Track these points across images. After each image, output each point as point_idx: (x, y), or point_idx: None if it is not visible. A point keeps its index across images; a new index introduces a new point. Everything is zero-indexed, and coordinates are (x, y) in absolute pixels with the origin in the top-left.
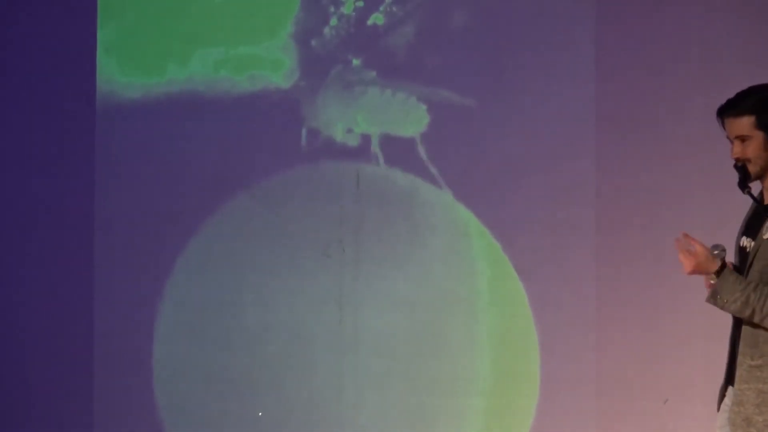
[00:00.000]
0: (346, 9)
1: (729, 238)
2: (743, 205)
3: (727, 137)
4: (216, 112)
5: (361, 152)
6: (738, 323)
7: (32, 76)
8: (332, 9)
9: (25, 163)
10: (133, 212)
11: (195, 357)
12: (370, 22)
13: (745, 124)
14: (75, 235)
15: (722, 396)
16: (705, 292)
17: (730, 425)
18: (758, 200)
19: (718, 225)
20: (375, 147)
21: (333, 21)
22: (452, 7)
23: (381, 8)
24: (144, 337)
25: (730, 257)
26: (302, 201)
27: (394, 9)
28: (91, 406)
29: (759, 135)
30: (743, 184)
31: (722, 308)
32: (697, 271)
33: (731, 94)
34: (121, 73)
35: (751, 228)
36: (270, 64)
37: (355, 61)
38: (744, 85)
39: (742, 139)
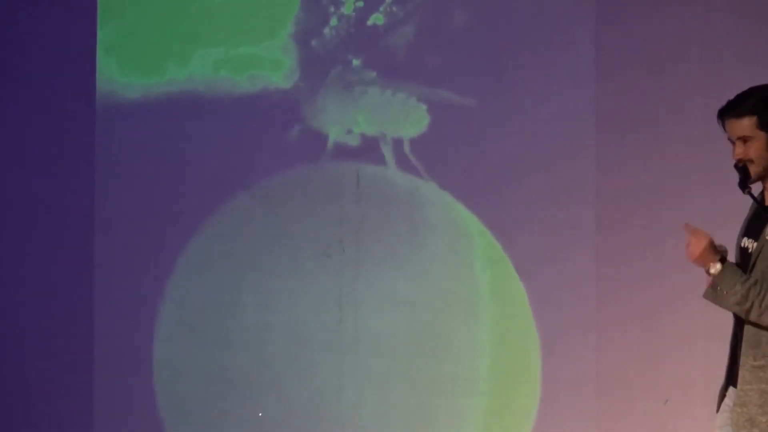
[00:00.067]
0: (346, 9)
1: (729, 238)
2: (743, 205)
3: (729, 139)
4: (216, 112)
5: (361, 152)
6: (739, 324)
7: (32, 76)
8: (332, 9)
9: (25, 163)
10: (133, 212)
11: (195, 357)
12: (370, 22)
13: (746, 125)
14: (75, 235)
15: (722, 396)
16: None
17: (733, 426)
18: (759, 201)
19: (718, 225)
20: (375, 147)
21: (333, 21)
22: (452, 7)
23: (381, 8)
24: (144, 337)
25: (731, 258)
26: (302, 201)
27: (394, 9)
28: (91, 406)
29: (761, 135)
30: (743, 185)
31: (720, 302)
32: (701, 257)
33: (731, 94)
34: (121, 73)
35: (752, 229)
36: (270, 64)
37: (355, 61)
38: (744, 85)
39: (744, 140)
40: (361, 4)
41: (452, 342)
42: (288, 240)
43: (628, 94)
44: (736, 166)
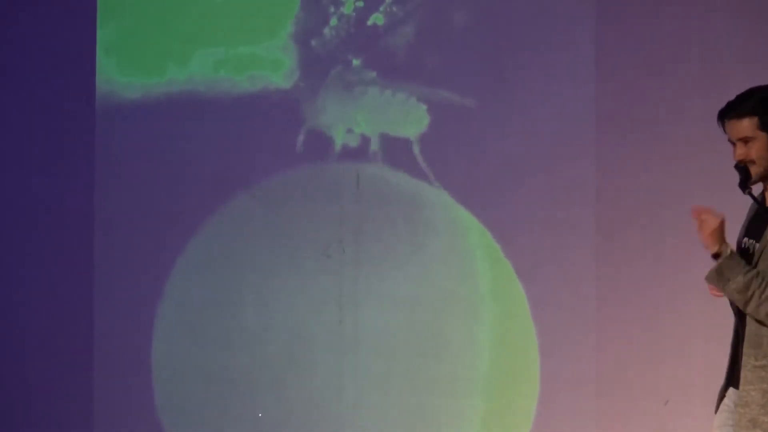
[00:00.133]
0: (346, 9)
1: (729, 238)
2: (743, 205)
3: (729, 140)
4: (216, 112)
5: (361, 152)
6: (741, 324)
7: (32, 76)
8: (332, 9)
9: (25, 163)
10: (133, 212)
11: (195, 357)
12: (370, 22)
13: (747, 126)
14: (75, 235)
15: (722, 397)
16: (705, 293)
17: (735, 427)
18: (759, 201)
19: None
20: (375, 147)
21: (333, 21)
22: (452, 7)
23: (381, 8)
24: (144, 337)
25: None
26: (302, 201)
27: (394, 9)
28: (91, 406)
29: (762, 136)
30: (744, 185)
31: (722, 287)
32: (713, 235)
33: (731, 94)
34: (120, 73)
35: (752, 229)
36: (270, 64)
37: (355, 61)
38: (745, 86)
39: (745, 140)
40: (361, 4)
41: (452, 342)
42: (288, 240)
43: (628, 94)
44: (736, 166)
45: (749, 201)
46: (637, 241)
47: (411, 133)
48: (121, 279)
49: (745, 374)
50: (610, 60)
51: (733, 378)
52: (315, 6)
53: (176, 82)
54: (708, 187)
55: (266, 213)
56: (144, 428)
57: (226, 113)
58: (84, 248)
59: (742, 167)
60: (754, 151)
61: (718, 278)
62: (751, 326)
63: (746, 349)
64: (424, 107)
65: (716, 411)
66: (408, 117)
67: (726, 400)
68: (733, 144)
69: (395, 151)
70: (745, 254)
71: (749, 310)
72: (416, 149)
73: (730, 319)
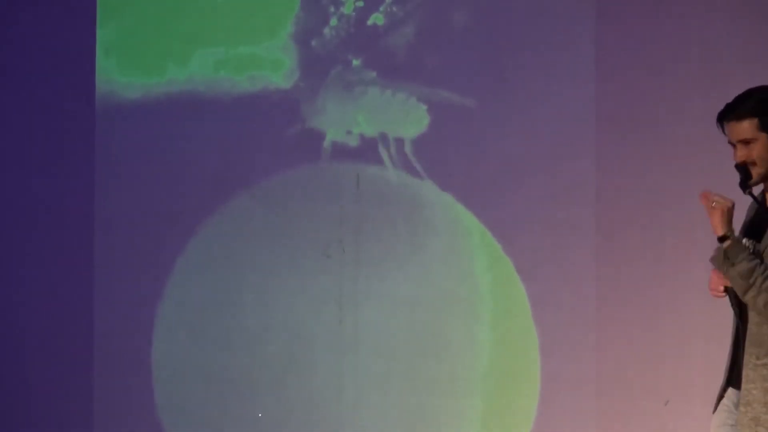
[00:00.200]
0: (346, 9)
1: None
2: (744, 205)
3: (729, 142)
4: (216, 112)
5: (361, 152)
6: (741, 323)
7: (32, 76)
8: (332, 9)
9: (25, 163)
10: (133, 212)
11: (195, 357)
12: (370, 22)
13: (747, 127)
14: (75, 235)
15: (720, 397)
16: (705, 293)
17: (738, 426)
18: (759, 201)
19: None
20: (382, 150)
21: (333, 21)
22: (452, 7)
23: (381, 8)
24: (144, 337)
25: None
26: (302, 201)
27: (394, 9)
28: (91, 406)
29: (763, 137)
30: (744, 185)
31: (726, 270)
32: (723, 218)
33: (732, 95)
34: (120, 73)
35: (752, 230)
36: (270, 64)
37: (355, 62)
38: (745, 86)
39: (746, 142)
40: (361, 4)
41: (452, 342)
42: (288, 240)
43: (628, 94)
44: (737, 166)
45: (749, 201)
46: (637, 241)
47: (411, 133)
48: (121, 279)
49: (746, 373)
50: (610, 60)
51: (732, 378)
52: (315, 6)
53: (176, 82)
54: (708, 187)
55: (266, 213)
56: (144, 428)
57: (226, 113)
58: (84, 248)
59: (743, 167)
60: (755, 152)
61: (723, 261)
62: (752, 325)
63: (748, 347)
64: (424, 107)
65: (714, 411)
66: (408, 117)
67: (725, 400)
68: (734, 146)
69: (395, 151)
70: None
71: (747, 298)
72: (417, 149)
73: (730, 319)
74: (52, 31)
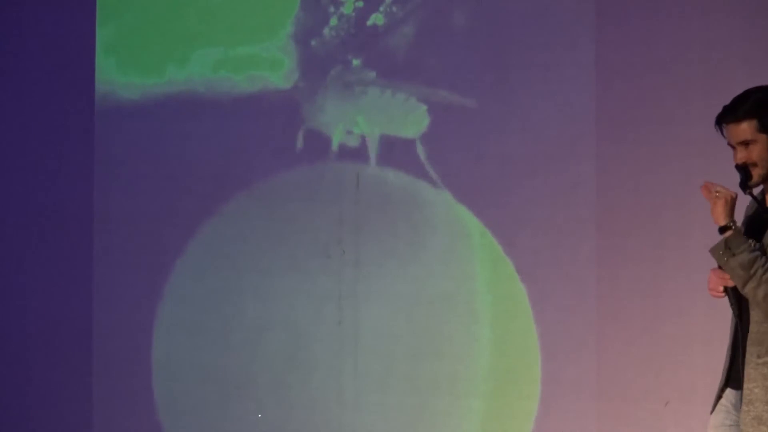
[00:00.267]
0: (346, 9)
1: None
2: (745, 205)
3: (728, 144)
4: (215, 113)
5: (361, 153)
6: (741, 322)
7: (32, 76)
8: (332, 9)
9: (25, 163)
10: (132, 213)
11: (194, 357)
12: (370, 22)
13: (746, 128)
14: (74, 235)
15: (719, 397)
16: (706, 293)
17: (741, 425)
18: (759, 201)
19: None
20: (372, 151)
21: (333, 21)
22: (452, 7)
23: (381, 8)
24: (143, 337)
25: None
26: (302, 201)
27: (394, 9)
28: (91, 406)
29: (763, 138)
30: (744, 185)
31: (726, 261)
32: (725, 209)
33: (732, 94)
34: (120, 73)
35: (751, 229)
36: (269, 65)
37: (355, 62)
38: (745, 85)
39: (746, 143)
40: (361, 4)
41: (452, 342)
42: (288, 240)
43: (628, 94)
44: (737, 167)
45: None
46: (637, 241)
47: (411, 133)
48: (120, 279)
49: (748, 372)
50: (610, 60)
51: (730, 378)
52: (315, 6)
53: (176, 82)
54: None
55: (266, 213)
56: (144, 428)
57: (226, 113)
58: (83, 248)
59: (743, 168)
60: (755, 153)
61: (725, 250)
62: (754, 323)
63: (749, 346)
64: (424, 107)
65: (712, 411)
66: (408, 117)
67: (723, 400)
68: (733, 148)
69: (395, 151)
70: None
71: (747, 289)
72: (420, 150)
73: (730, 320)
74: (52, 31)
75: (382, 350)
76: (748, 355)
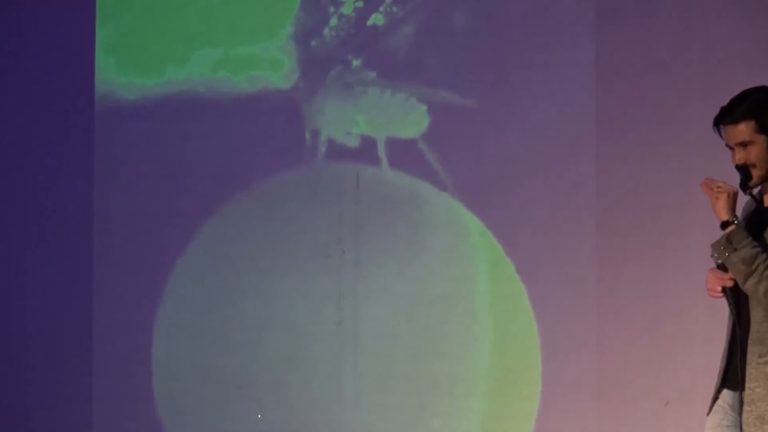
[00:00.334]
0: (346, 9)
1: None
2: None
3: (727, 145)
4: (215, 113)
5: (361, 153)
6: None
7: (31, 76)
8: (332, 9)
9: (25, 163)
10: (132, 213)
11: (194, 357)
12: (370, 22)
13: (744, 129)
14: (74, 235)
15: (715, 398)
16: (705, 294)
17: (743, 425)
18: (758, 200)
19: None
20: (381, 151)
21: (333, 21)
22: (452, 7)
23: (381, 8)
24: (143, 337)
25: None
26: (302, 202)
27: (394, 9)
28: (91, 406)
29: (761, 139)
30: (744, 185)
31: (728, 256)
32: (727, 204)
33: (732, 94)
34: (120, 73)
35: (751, 229)
36: (269, 65)
37: (355, 62)
38: (745, 86)
39: (744, 144)
40: (360, 4)
41: (452, 342)
42: (288, 240)
43: (628, 94)
44: (737, 167)
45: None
46: (637, 241)
47: (411, 134)
48: (120, 280)
49: (749, 371)
50: (610, 60)
51: (727, 379)
52: (315, 6)
53: (175, 82)
54: None
55: (266, 213)
56: (144, 428)
57: (226, 114)
58: (83, 248)
59: (743, 168)
60: (753, 154)
61: (726, 245)
62: (754, 323)
63: (750, 346)
64: (424, 107)
65: (709, 412)
66: (408, 117)
67: (720, 401)
68: (731, 149)
69: (396, 152)
70: None
71: (748, 285)
72: (417, 149)
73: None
74: (52, 31)
75: (382, 350)
76: (749, 355)
